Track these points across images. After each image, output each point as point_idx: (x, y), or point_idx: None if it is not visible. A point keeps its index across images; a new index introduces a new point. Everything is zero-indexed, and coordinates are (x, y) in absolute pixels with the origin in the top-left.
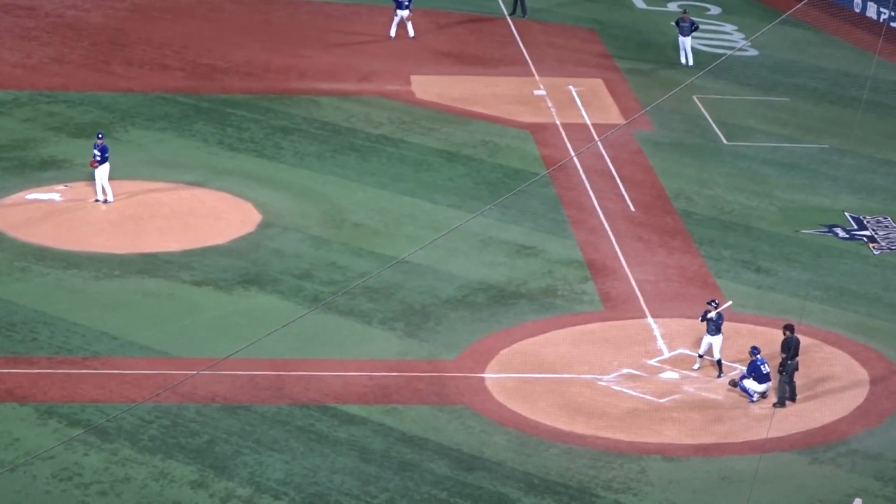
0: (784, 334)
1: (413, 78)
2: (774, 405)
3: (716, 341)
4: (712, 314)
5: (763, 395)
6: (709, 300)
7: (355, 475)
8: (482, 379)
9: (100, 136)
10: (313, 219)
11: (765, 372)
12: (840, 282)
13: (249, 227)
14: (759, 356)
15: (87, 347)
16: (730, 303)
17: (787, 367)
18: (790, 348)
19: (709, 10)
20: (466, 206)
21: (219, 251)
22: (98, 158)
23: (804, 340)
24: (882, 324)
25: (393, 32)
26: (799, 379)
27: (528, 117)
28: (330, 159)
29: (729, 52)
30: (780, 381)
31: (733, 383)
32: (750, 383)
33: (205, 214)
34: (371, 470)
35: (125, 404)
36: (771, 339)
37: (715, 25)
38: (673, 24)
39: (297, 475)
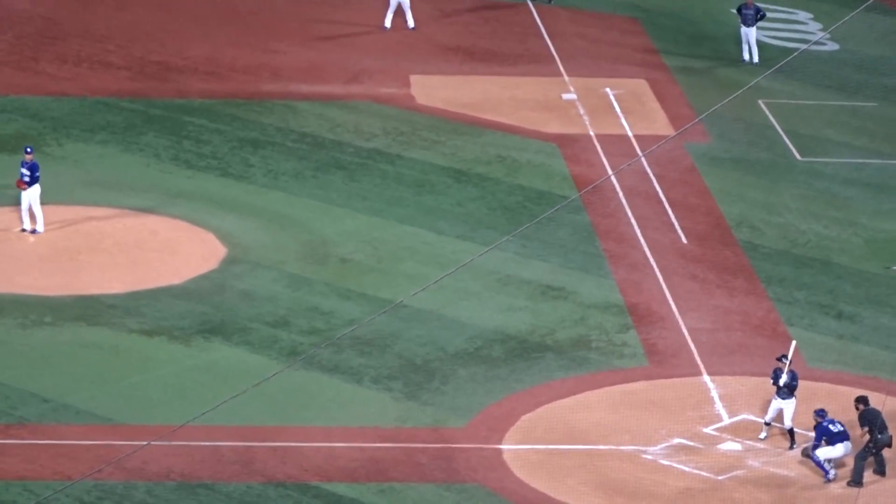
0: (857, 409)
1: (413, 78)
2: (849, 483)
3: (787, 406)
4: (785, 377)
5: (840, 458)
6: (779, 355)
7: None
8: (499, 451)
9: (28, 150)
10: (290, 253)
11: (836, 431)
12: None
13: (212, 264)
14: (826, 417)
15: (11, 412)
16: (794, 343)
17: (878, 442)
18: (873, 420)
19: None
20: (479, 236)
21: (174, 293)
22: (26, 179)
23: None
24: None
25: (388, 22)
26: (892, 451)
27: (554, 127)
28: (311, 179)
29: (803, 47)
30: (857, 457)
31: (806, 453)
32: (823, 452)
33: (157, 248)
34: None
35: (59, 482)
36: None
37: (785, 13)
38: (734, 11)
39: None
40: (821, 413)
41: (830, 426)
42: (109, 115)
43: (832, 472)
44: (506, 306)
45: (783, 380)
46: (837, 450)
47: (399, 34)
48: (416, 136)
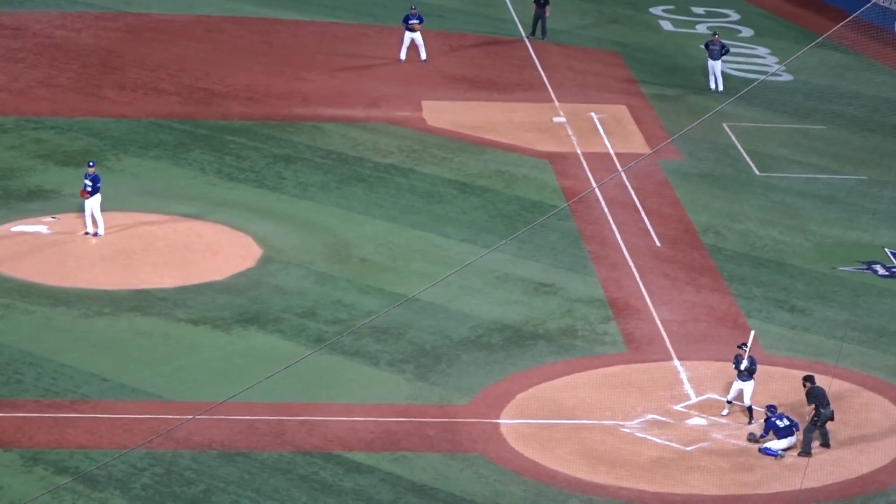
0: (805, 386)
1: (424, 104)
2: (800, 454)
3: (747, 387)
4: (745, 362)
5: (785, 450)
6: (740, 343)
7: None
8: (497, 425)
9: (91, 164)
10: (317, 254)
11: (782, 426)
12: (880, 322)
13: (249, 263)
14: (775, 413)
15: (75, 390)
16: (752, 333)
17: (822, 415)
18: (818, 397)
19: (740, 32)
20: (481, 240)
21: (216, 288)
22: (89, 188)
23: (841, 385)
24: None
25: (403, 55)
26: (835, 426)
27: (546, 146)
28: (335, 190)
29: (761, 77)
30: (805, 430)
31: (752, 439)
32: (770, 444)
33: (202, 249)
34: None
35: (116, 451)
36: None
37: (747, 48)
38: (702, 46)
39: None
40: (771, 409)
41: (778, 422)
42: (162, 134)
43: (780, 451)
44: (503, 300)
45: (744, 364)
46: (782, 444)
47: (413, 66)
48: (426, 153)
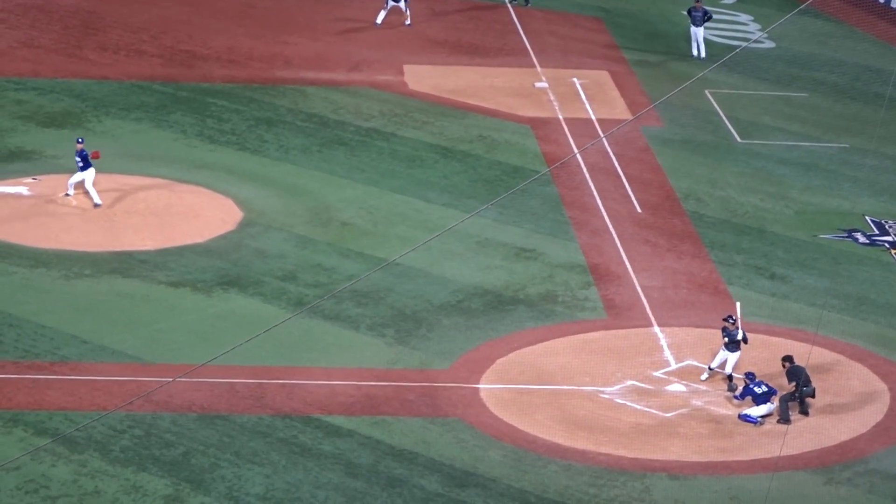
0: (784, 366)
1: (406, 68)
2: (779, 421)
3: (732, 358)
4: (740, 333)
5: (764, 416)
6: (725, 316)
7: (340, 491)
8: (476, 390)
9: (80, 141)
10: (298, 217)
11: (760, 392)
12: (860, 290)
13: (230, 226)
14: (753, 380)
15: (55, 352)
16: (738, 304)
17: (803, 393)
18: (798, 375)
19: None
20: (462, 205)
21: (197, 250)
22: (80, 165)
23: (820, 353)
24: None
25: (379, 20)
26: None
27: (528, 111)
28: (317, 153)
29: (744, 44)
30: (780, 399)
31: (732, 388)
32: (751, 410)
33: (182, 211)
34: (357, 485)
35: (96, 412)
36: (784, 351)
37: (729, 15)
38: (685, 13)
39: (279, 490)
40: (749, 376)
41: (756, 388)
42: (143, 96)
43: (759, 419)
44: (484, 265)
45: (740, 335)
46: (761, 410)
47: (395, 30)
48: (408, 117)
